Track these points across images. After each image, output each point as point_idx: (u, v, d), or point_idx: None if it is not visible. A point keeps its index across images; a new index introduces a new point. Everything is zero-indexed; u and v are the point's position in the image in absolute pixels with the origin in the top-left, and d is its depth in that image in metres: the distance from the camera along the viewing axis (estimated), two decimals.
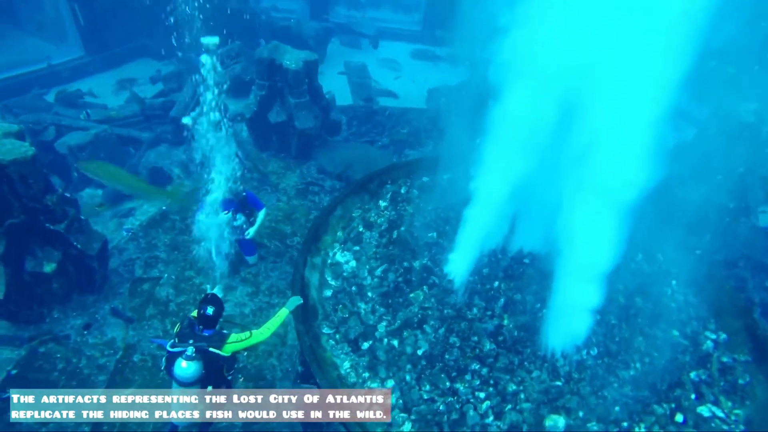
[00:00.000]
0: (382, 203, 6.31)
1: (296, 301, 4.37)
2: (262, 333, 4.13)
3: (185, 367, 3.83)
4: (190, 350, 3.82)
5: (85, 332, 5.99)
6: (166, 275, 6.65)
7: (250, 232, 6.05)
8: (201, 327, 3.97)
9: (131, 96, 10.32)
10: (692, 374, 4.80)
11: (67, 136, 8.11)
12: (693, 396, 4.59)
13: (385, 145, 10.37)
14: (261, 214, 6.08)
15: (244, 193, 5.84)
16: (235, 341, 4.00)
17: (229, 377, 4.20)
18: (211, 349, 3.89)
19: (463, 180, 5.56)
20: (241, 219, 5.91)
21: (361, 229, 5.81)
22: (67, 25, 11.82)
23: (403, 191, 6.51)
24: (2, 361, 5.67)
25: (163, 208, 7.87)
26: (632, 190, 3.99)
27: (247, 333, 4.09)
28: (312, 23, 14.14)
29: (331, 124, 10.11)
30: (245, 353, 5.83)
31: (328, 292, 5.03)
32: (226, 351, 3.96)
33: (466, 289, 5.25)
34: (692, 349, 5.02)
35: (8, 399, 5.23)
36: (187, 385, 3.92)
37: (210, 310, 3.94)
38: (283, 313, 4.27)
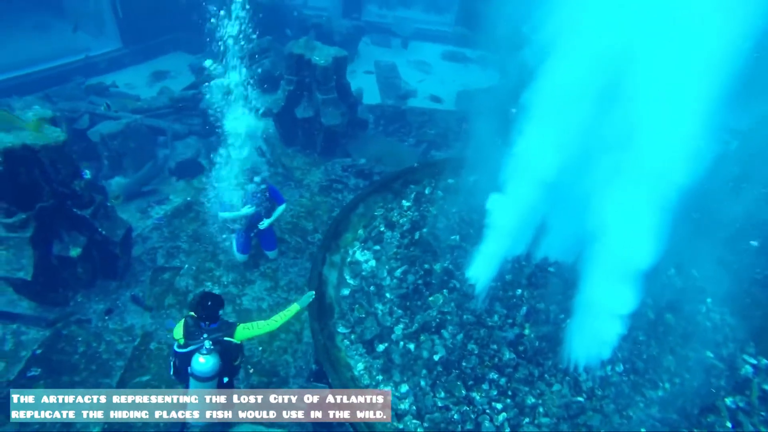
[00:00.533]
0: (406, 203, 6.21)
1: (309, 297, 4.31)
2: (269, 324, 4.13)
3: (204, 362, 3.83)
4: (208, 343, 3.82)
5: (106, 317, 6.07)
6: (186, 266, 6.70)
7: (265, 222, 6.05)
8: (207, 322, 3.96)
9: (163, 88, 10.49)
10: (728, 400, 4.52)
11: (99, 124, 8.26)
12: (729, 424, 4.31)
13: (412, 145, 10.28)
14: (280, 208, 6.09)
15: (264, 185, 5.80)
16: (244, 329, 4.05)
17: (239, 366, 4.20)
18: (225, 338, 3.90)
19: (489, 183, 5.41)
20: (260, 211, 5.89)
21: (382, 229, 5.72)
22: (106, 17, 12.09)
23: (427, 192, 6.39)
24: (29, 341, 5.81)
25: (188, 198, 7.95)
26: (674, 178, 3.77)
27: (255, 323, 4.14)
28: (343, 21, 14.14)
29: (358, 121, 10.06)
30: (260, 348, 5.82)
31: (346, 291, 4.95)
32: (238, 338, 3.99)
33: (488, 295, 5.09)
34: (728, 373, 4.73)
35: (33, 377, 5.46)
36: (206, 380, 3.91)
37: (210, 302, 3.95)
38: (294, 308, 4.22)
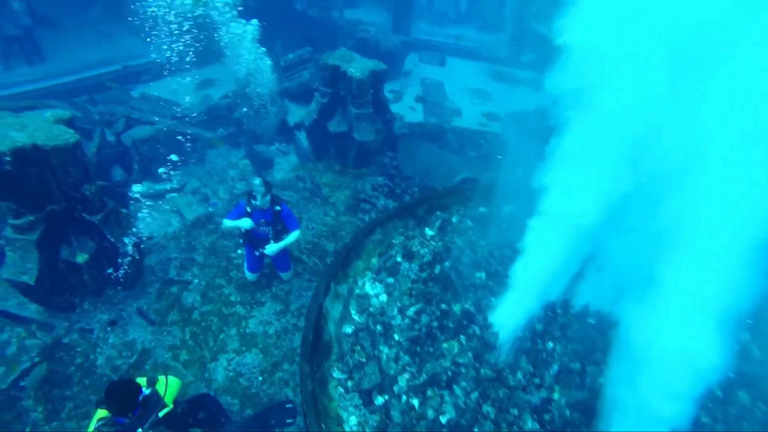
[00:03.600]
0: (429, 231, 5.61)
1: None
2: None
3: None
4: None
5: (109, 329, 5.82)
6: (196, 280, 6.39)
7: (268, 249, 5.40)
8: (129, 415, 3.32)
9: (204, 97, 10.50)
10: None
11: (133, 129, 8.24)
12: None
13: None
14: (292, 236, 5.40)
15: (278, 207, 5.30)
16: (165, 387, 3.55)
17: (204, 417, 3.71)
18: (160, 414, 3.38)
19: (527, 215, 4.77)
20: (267, 232, 5.38)
21: (399, 259, 5.14)
22: None
23: (454, 220, 5.76)
24: (32, 346, 5.63)
25: (210, 209, 7.72)
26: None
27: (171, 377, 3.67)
28: (391, 37, 13.85)
29: (394, 139, 9.59)
30: (261, 378, 5.36)
31: (349, 329, 4.39)
32: (169, 401, 3.48)
33: (513, 346, 4.39)
34: None
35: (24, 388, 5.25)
36: None
37: (125, 394, 3.31)
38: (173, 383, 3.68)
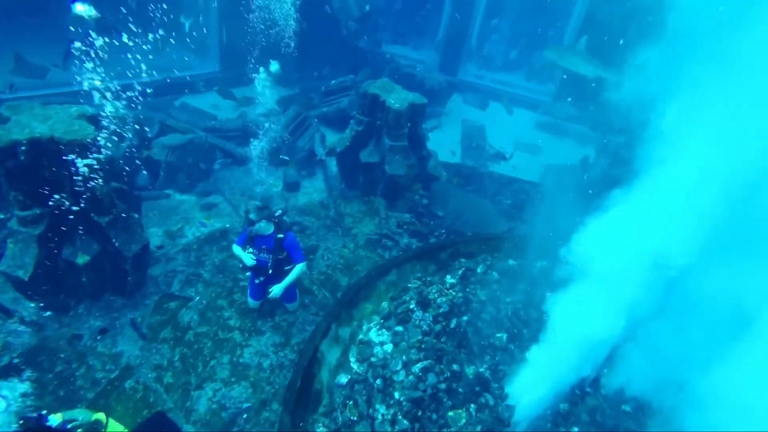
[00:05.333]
0: (450, 279, 5.09)
1: None
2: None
3: None
4: None
5: (99, 337, 5.49)
6: (198, 297, 6.03)
7: (275, 290, 5.01)
8: None
9: (241, 113, 10.50)
10: None
11: (165, 136, 8.18)
12: None
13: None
14: (297, 269, 5.00)
15: (281, 235, 4.91)
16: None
17: None
18: None
19: (562, 275, 4.24)
20: (267, 260, 4.99)
21: (412, 306, 4.62)
22: (210, 42, 12.71)
23: (479, 270, 5.23)
24: (17, 345, 5.37)
25: (227, 225, 7.46)
26: None
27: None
28: (437, 75, 13.73)
29: (428, 177, 9.20)
30: (245, 415, 4.86)
31: (344, 379, 3.88)
32: None
33: (530, 426, 3.76)
34: None
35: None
36: None
37: None
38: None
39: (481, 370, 4.11)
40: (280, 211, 5.00)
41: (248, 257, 4.89)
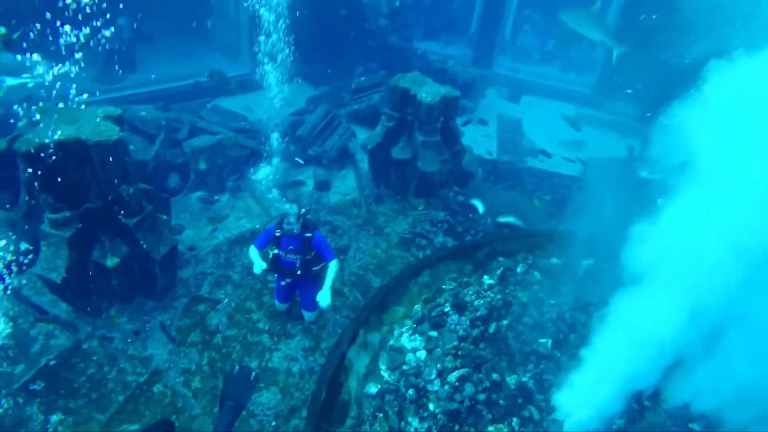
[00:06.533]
0: (488, 280, 4.74)
1: None
2: None
3: None
4: None
5: (129, 340, 5.45)
6: (226, 300, 5.92)
7: (323, 299, 4.61)
8: None
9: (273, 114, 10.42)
10: None
11: (195, 138, 8.17)
12: None
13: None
14: (332, 268, 4.68)
15: (309, 234, 4.69)
16: None
17: None
18: None
19: (611, 273, 3.86)
20: (295, 261, 4.78)
21: (447, 309, 4.30)
22: (242, 46, 12.80)
23: (519, 270, 4.86)
24: (55, 346, 5.40)
25: (257, 226, 7.35)
26: None
27: None
28: (470, 69, 13.32)
29: (462, 173, 8.85)
30: None
31: (373, 389, 3.60)
32: None
33: None
34: None
35: (33, 392, 4.95)
36: None
37: None
38: None
39: (524, 379, 3.75)
40: (304, 210, 4.79)
41: (257, 265, 4.72)
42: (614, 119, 13.06)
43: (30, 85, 6.58)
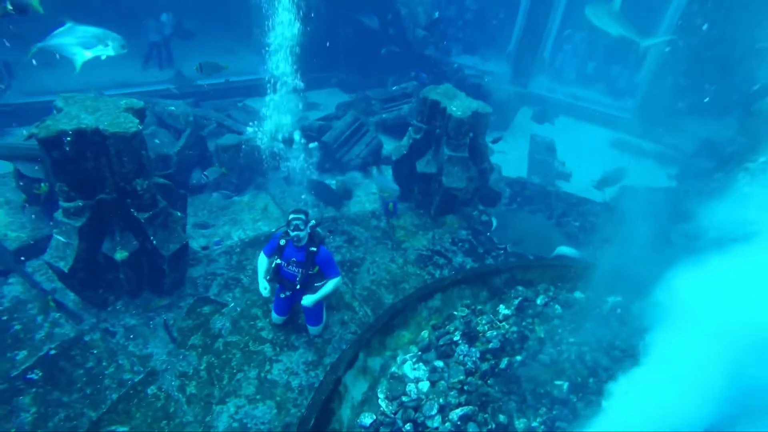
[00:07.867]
0: (504, 310, 4.41)
1: None
2: None
3: None
4: None
5: (131, 336, 5.35)
6: (233, 304, 5.76)
7: (306, 299, 4.65)
8: None
9: (301, 117, 10.38)
10: None
11: (221, 137, 8.15)
12: None
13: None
14: (331, 284, 4.59)
15: (314, 249, 4.50)
16: None
17: None
18: None
19: (638, 313, 3.52)
20: (296, 274, 4.59)
21: (457, 338, 4.01)
22: None
23: (539, 301, 4.52)
24: (58, 335, 5.35)
25: (272, 230, 7.21)
26: None
27: None
28: (505, 87, 13.02)
29: (488, 192, 8.53)
30: None
31: (368, 419, 3.34)
32: None
33: None
34: None
35: (30, 381, 4.89)
36: None
37: None
38: None
39: (534, 424, 3.41)
40: (314, 221, 4.60)
41: (262, 287, 4.60)
42: (656, 148, 12.51)
43: (103, 57, 6.49)
